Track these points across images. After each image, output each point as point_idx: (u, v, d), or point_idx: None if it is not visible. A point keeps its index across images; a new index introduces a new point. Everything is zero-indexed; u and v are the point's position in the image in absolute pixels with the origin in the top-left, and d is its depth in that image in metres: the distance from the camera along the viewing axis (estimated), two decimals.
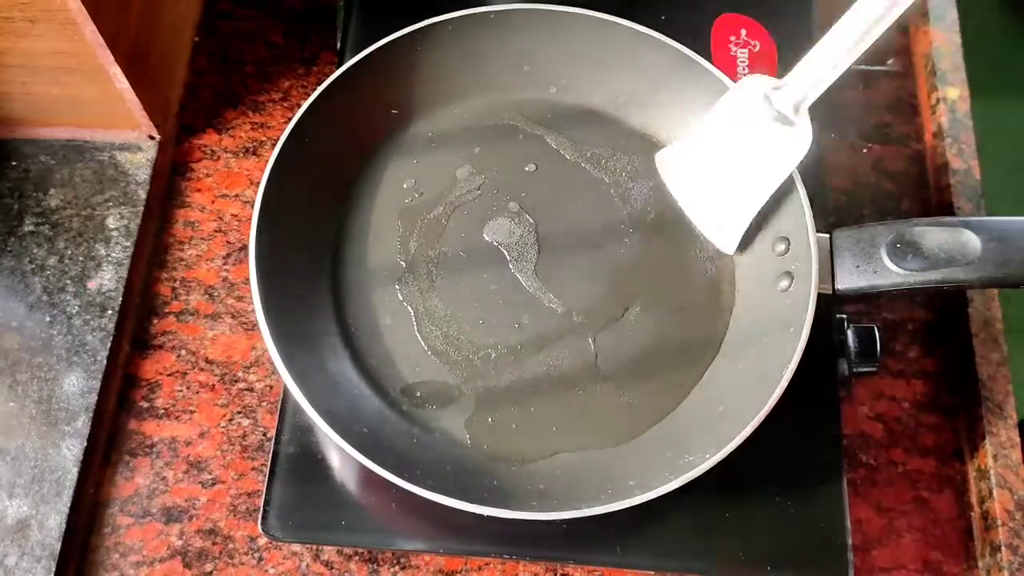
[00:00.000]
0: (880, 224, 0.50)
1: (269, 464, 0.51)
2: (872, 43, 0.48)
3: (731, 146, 0.53)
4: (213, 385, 0.56)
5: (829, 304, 0.52)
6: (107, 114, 0.58)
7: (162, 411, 0.55)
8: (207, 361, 0.56)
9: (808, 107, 0.51)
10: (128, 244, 0.58)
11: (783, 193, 0.52)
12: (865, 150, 0.65)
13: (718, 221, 0.55)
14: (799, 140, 0.51)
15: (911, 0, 0.46)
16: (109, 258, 0.57)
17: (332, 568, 0.52)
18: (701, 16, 0.64)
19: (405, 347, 0.53)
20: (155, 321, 0.57)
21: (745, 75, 0.62)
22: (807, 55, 0.50)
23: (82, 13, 0.49)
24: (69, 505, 0.51)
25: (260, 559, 0.52)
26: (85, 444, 0.52)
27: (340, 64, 0.55)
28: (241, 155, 0.62)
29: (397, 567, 0.52)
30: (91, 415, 0.53)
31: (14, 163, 0.60)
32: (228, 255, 0.59)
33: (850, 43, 0.48)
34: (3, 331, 0.55)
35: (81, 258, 0.57)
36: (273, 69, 0.65)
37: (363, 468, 0.45)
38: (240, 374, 0.56)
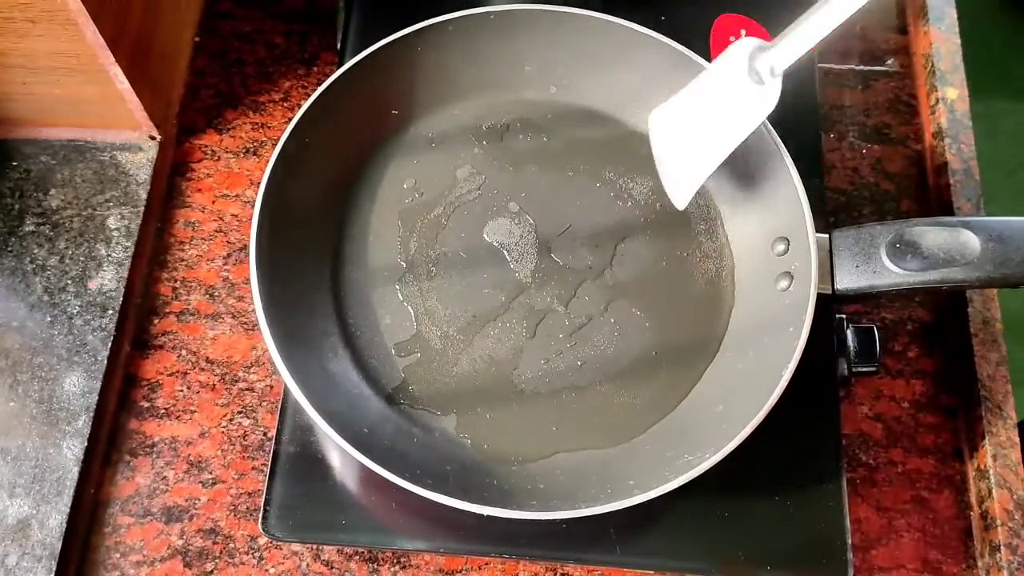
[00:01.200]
0: (879, 224, 0.51)
1: (269, 464, 0.51)
2: (852, 14, 0.48)
3: (707, 103, 0.53)
4: (214, 385, 0.56)
5: (829, 304, 0.52)
6: (108, 114, 0.58)
7: (163, 411, 0.55)
8: (208, 361, 0.57)
9: (783, 70, 0.50)
10: (129, 244, 0.58)
11: (783, 193, 0.53)
12: (864, 150, 0.65)
13: (677, 175, 0.55)
14: (765, 99, 0.50)
15: None
16: (110, 258, 0.57)
17: (332, 568, 0.52)
18: (701, 16, 0.64)
19: (406, 347, 0.53)
20: (156, 321, 0.58)
21: None
22: (795, 21, 0.49)
23: (83, 14, 0.49)
24: (70, 505, 0.51)
25: (260, 559, 0.52)
26: (86, 444, 0.52)
27: (340, 64, 0.55)
28: (241, 155, 0.63)
29: (397, 567, 0.52)
30: (92, 415, 0.53)
31: (15, 163, 0.60)
32: (228, 255, 0.60)
33: (827, 22, 0.48)
34: (4, 331, 0.55)
35: (82, 258, 0.57)
36: (274, 69, 0.65)
37: (363, 468, 0.45)
38: (240, 374, 0.56)
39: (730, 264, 0.56)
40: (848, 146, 0.65)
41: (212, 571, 0.52)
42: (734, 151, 0.52)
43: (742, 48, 0.52)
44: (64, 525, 0.51)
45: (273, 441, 0.52)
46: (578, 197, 0.58)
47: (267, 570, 0.52)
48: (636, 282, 0.56)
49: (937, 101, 0.64)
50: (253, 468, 0.54)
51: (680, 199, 0.55)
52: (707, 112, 0.53)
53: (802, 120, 0.61)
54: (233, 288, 0.59)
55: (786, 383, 0.47)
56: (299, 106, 0.53)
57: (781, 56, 0.50)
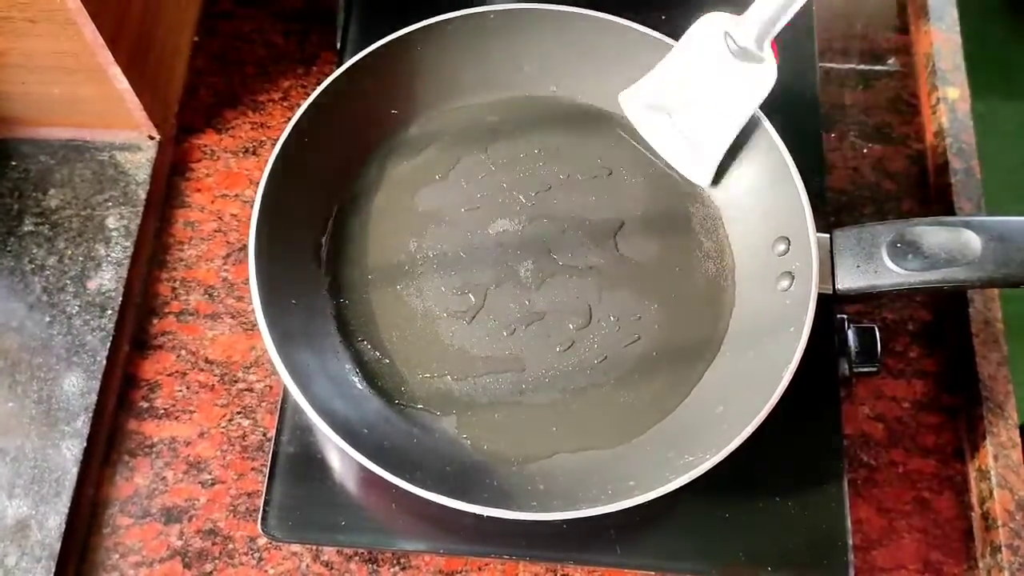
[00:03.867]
0: (880, 224, 0.50)
1: (269, 464, 0.51)
2: None
3: (696, 83, 0.54)
4: (213, 385, 0.56)
5: (829, 304, 0.52)
6: (107, 114, 0.58)
7: (162, 411, 0.55)
8: (207, 361, 0.56)
9: (771, 40, 0.51)
10: (128, 244, 0.58)
11: (783, 193, 0.52)
12: (865, 150, 0.65)
13: (691, 156, 0.56)
14: (764, 74, 0.52)
15: None
16: (109, 258, 0.57)
17: (332, 568, 0.52)
18: (701, 15, 0.63)
19: (405, 347, 0.53)
20: (155, 321, 0.57)
21: None
22: None
23: (82, 13, 0.49)
24: (69, 505, 0.51)
25: (260, 559, 0.52)
26: (85, 444, 0.52)
27: (340, 64, 0.55)
28: (241, 155, 0.62)
29: (397, 567, 0.52)
30: (91, 415, 0.53)
31: (14, 163, 0.60)
32: (228, 255, 0.59)
33: None
34: (3, 331, 0.55)
35: (81, 258, 0.57)
36: (273, 69, 0.65)
37: (363, 468, 0.45)
38: (240, 374, 0.56)
39: (730, 264, 0.56)
40: (849, 146, 0.65)
41: (211, 572, 0.52)
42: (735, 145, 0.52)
43: (715, 25, 0.53)
44: (63, 526, 0.51)
45: (272, 441, 0.52)
46: (579, 197, 0.58)
47: (266, 571, 0.52)
48: (636, 282, 0.55)
49: (938, 100, 0.64)
50: (252, 469, 0.54)
51: (702, 178, 0.56)
52: (699, 92, 0.54)
53: (803, 119, 0.61)
54: (232, 288, 0.58)
55: (787, 383, 0.47)
56: (298, 106, 0.53)
57: (760, 27, 0.51)
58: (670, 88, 0.55)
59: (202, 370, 0.56)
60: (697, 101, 0.54)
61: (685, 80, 0.55)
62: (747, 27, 0.51)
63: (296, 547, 0.52)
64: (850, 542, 0.50)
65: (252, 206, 0.50)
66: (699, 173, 0.56)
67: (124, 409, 0.55)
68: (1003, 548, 0.52)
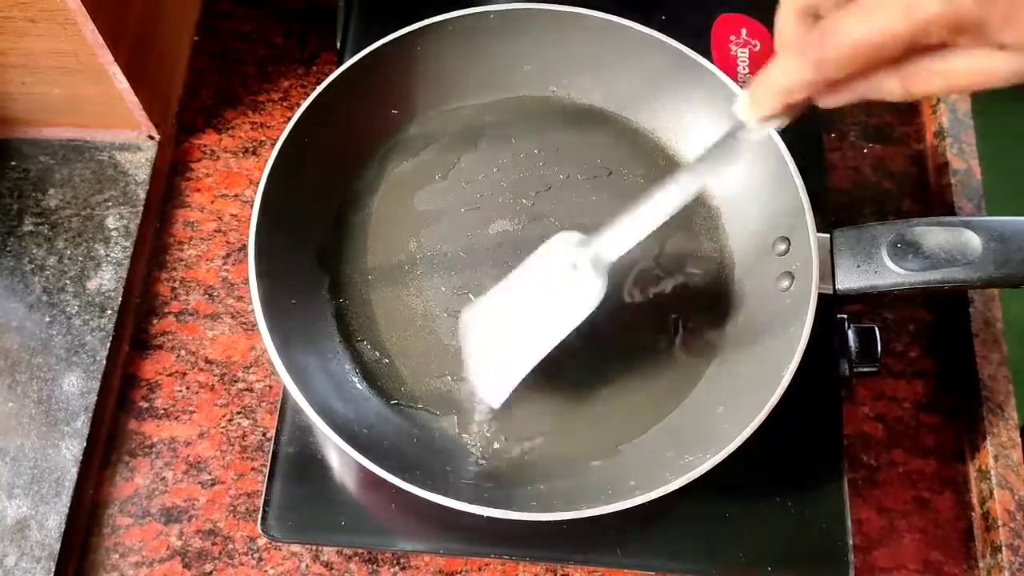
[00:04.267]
0: (881, 224, 0.50)
1: (269, 464, 0.51)
2: (680, 207, 0.44)
3: (525, 299, 0.50)
4: (213, 385, 0.56)
5: (830, 304, 0.51)
6: (107, 114, 0.58)
7: (161, 411, 0.55)
8: (207, 361, 0.56)
9: (607, 266, 0.47)
10: (128, 244, 0.58)
11: (783, 193, 0.52)
12: (866, 150, 0.65)
13: (491, 373, 0.51)
14: (588, 295, 0.47)
15: (700, 186, 0.43)
16: (108, 258, 0.57)
17: (332, 568, 0.52)
18: (701, 16, 0.64)
19: (405, 347, 0.53)
20: (154, 321, 0.57)
21: (746, 75, 0.62)
22: (619, 219, 0.46)
23: (82, 13, 0.49)
24: (69, 505, 0.51)
25: (260, 559, 0.52)
26: (84, 444, 0.52)
27: (340, 64, 0.55)
28: (241, 155, 0.62)
29: (397, 567, 0.52)
30: (90, 415, 0.53)
31: (14, 163, 0.60)
32: (228, 255, 0.59)
33: (657, 215, 0.45)
34: (3, 331, 0.55)
35: (80, 258, 0.57)
36: (273, 69, 0.65)
37: (363, 468, 0.45)
38: (240, 374, 0.56)
39: (731, 264, 0.56)
40: (849, 145, 0.65)
41: (211, 572, 0.52)
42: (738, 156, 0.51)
43: (564, 241, 0.49)
44: (63, 526, 0.51)
45: (272, 442, 0.52)
46: (578, 197, 0.58)
47: (266, 571, 0.52)
48: (637, 282, 0.55)
49: (938, 100, 0.64)
50: (252, 469, 0.54)
51: (495, 399, 0.50)
52: (524, 309, 0.50)
53: (803, 119, 0.61)
54: (232, 288, 0.58)
55: (787, 383, 0.46)
56: (298, 106, 0.53)
57: (606, 250, 0.47)
58: (503, 305, 0.51)
59: (202, 370, 0.56)
60: (520, 318, 0.50)
61: (517, 296, 0.50)
62: (590, 249, 0.48)
63: (296, 547, 0.52)
64: (850, 542, 0.50)
65: (252, 206, 0.50)
66: (492, 393, 0.50)
67: (124, 409, 0.55)
68: (1003, 548, 0.52)
